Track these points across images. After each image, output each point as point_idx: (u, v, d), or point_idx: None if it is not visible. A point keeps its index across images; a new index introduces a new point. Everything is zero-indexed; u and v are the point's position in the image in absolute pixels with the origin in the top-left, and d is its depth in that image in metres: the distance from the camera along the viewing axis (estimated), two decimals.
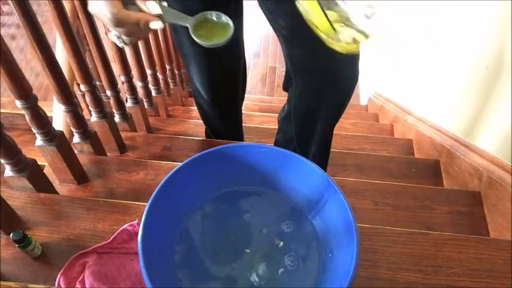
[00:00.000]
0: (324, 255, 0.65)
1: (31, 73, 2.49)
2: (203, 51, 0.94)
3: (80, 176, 1.00)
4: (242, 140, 1.35)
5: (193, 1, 0.84)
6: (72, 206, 0.83)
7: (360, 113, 2.24)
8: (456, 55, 1.23)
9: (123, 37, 0.60)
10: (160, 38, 1.65)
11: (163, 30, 1.70)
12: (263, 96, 2.62)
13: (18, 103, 0.80)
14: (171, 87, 1.91)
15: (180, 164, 0.66)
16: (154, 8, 0.58)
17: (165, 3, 0.59)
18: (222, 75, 1.04)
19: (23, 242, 0.69)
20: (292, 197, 0.72)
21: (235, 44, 1.01)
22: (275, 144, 1.19)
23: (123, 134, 1.23)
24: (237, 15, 0.93)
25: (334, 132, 1.04)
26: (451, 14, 1.26)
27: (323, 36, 0.49)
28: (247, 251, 0.66)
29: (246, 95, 1.26)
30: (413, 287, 0.71)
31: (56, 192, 0.95)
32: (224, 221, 0.70)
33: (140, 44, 1.37)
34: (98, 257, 0.72)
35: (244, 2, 0.93)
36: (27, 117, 0.83)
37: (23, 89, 0.78)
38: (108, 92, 1.19)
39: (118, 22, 0.56)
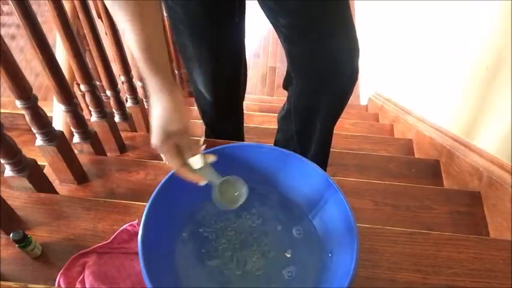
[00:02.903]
0: (324, 255, 0.65)
1: (31, 73, 2.49)
2: (208, 56, 0.95)
3: (80, 176, 1.00)
4: (243, 140, 1.35)
5: (195, 3, 0.84)
6: (72, 206, 0.83)
7: (360, 113, 2.24)
8: (456, 55, 1.23)
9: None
10: None
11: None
12: (263, 96, 2.62)
13: (18, 103, 0.80)
14: None
15: None
16: (196, 164, 0.61)
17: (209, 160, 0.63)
18: (225, 76, 1.05)
19: (23, 242, 0.69)
20: (292, 197, 0.72)
21: (239, 46, 1.01)
22: (275, 144, 1.19)
23: (123, 134, 1.23)
24: (240, 16, 0.94)
25: (334, 132, 1.05)
26: (451, 14, 1.26)
27: None
28: (247, 250, 0.66)
29: (246, 95, 1.26)
30: (413, 287, 0.71)
31: (56, 192, 0.95)
32: (224, 220, 0.70)
33: None
34: (98, 257, 0.72)
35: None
36: (27, 117, 0.83)
37: (23, 89, 0.78)
38: (108, 92, 1.19)
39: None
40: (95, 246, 0.74)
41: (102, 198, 0.88)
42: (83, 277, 0.69)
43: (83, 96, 1.23)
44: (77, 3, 0.97)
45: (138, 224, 0.76)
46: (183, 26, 0.91)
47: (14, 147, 0.80)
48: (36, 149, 0.91)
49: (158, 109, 0.56)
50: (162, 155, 0.61)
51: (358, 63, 0.85)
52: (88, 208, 0.83)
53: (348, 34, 0.82)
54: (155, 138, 0.57)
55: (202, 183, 0.61)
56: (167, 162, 0.61)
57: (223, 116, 1.20)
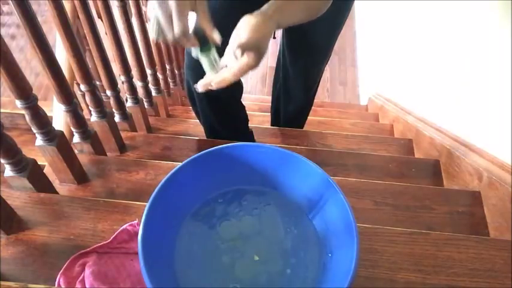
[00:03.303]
0: (324, 255, 0.65)
1: (31, 73, 2.49)
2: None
3: (80, 176, 1.00)
4: (250, 135, 1.35)
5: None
6: (72, 206, 0.83)
7: (360, 113, 2.24)
8: (456, 55, 1.23)
9: (160, 35, 0.62)
10: None
11: None
12: (263, 96, 2.62)
13: (18, 103, 0.80)
14: (171, 87, 1.91)
15: (180, 163, 0.66)
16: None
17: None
18: None
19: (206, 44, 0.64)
20: (292, 196, 0.72)
21: None
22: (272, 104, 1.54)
23: (123, 134, 1.23)
24: None
25: (334, 132, 1.05)
26: (451, 13, 1.26)
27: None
28: (248, 250, 0.66)
29: (246, 95, 1.26)
30: (413, 287, 0.71)
31: (56, 192, 0.95)
32: (224, 220, 0.70)
33: (140, 44, 1.37)
34: (98, 257, 0.72)
35: None
36: (27, 117, 0.83)
37: (23, 89, 0.78)
38: (108, 92, 1.19)
39: (181, 35, 0.59)
40: (95, 246, 0.74)
41: (102, 198, 0.88)
42: (83, 277, 0.69)
43: (83, 96, 1.23)
44: (77, 3, 0.97)
45: (138, 224, 0.77)
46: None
47: (14, 147, 0.80)
48: (36, 148, 0.91)
49: None
50: (155, 17, 0.60)
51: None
52: (88, 208, 0.83)
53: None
54: None
55: (195, 49, 0.62)
56: (164, 22, 0.59)
57: (222, 113, 1.21)
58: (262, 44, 0.60)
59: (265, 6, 0.63)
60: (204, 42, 0.63)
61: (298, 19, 0.69)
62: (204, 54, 0.64)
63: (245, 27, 0.59)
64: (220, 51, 0.65)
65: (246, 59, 0.60)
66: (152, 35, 0.63)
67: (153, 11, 0.60)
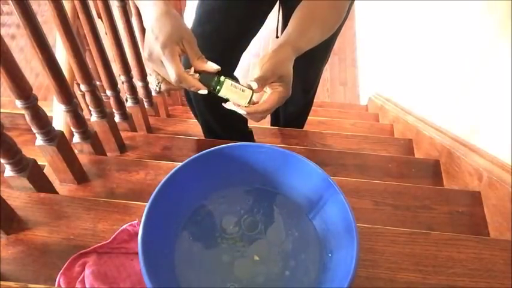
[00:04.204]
0: (324, 255, 0.65)
1: (31, 73, 2.49)
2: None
3: (80, 176, 1.00)
4: (248, 137, 1.35)
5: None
6: (72, 206, 0.83)
7: (360, 113, 2.24)
8: (456, 55, 1.23)
9: (162, 85, 0.63)
10: None
11: None
12: None
13: (18, 103, 0.80)
14: None
15: (180, 163, 0.66)
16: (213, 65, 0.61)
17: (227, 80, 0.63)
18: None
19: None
20: (292, 196, 0.72)
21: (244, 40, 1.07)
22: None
23: (123, 134, 1.23)
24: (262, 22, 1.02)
25: (334, 132, 1.05)
26: (452, 13, 1.26)
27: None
28: (248, 250, 0.66)
29: None
30: (413, 287, 0.71)
31: (56, 192, 0.95)
32: (224, 220, 0.70)
33: (140, 44, 1.37)
34: (98, 257, 0.72)
35: None
36: (27, 117, 0.83)
37: (23, 89, 0.78)
38: (108, 92, 1.19)
39: (178, 80, 0.59)
40: (95, 246, 0.74)
41: (102, 198, 0.88)
42: (83, 277, 0.69)
43: (83, 96, 1.23)
44: (77, 3, 0.97)
45: (138, 224, 0.77)
46: None
47: (14, 147, 0.80)
48: (36, 148, 0.91)
49: (157, 16, 0.59)
50: (153, 70, 0.61)
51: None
52: (88, 208, 0.83)
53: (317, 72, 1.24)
54: (159, 43, 0.56)
55: (203, 91, 0.61)
56: (162, 73, 0.60)
57: (220, 114, 1.20)
58: (279, 69, 0.61)
59: (280, 38, 0.65)
60: (214, 83, 0.62)
61: (316, 41, 0.71)
62: (222, 90, 0.63)
63: (259, 62, 0.60)
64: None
65: (273, 90, 0.61)
66: (153, 87, 0.63)
67: (148, 65, 0.61)
